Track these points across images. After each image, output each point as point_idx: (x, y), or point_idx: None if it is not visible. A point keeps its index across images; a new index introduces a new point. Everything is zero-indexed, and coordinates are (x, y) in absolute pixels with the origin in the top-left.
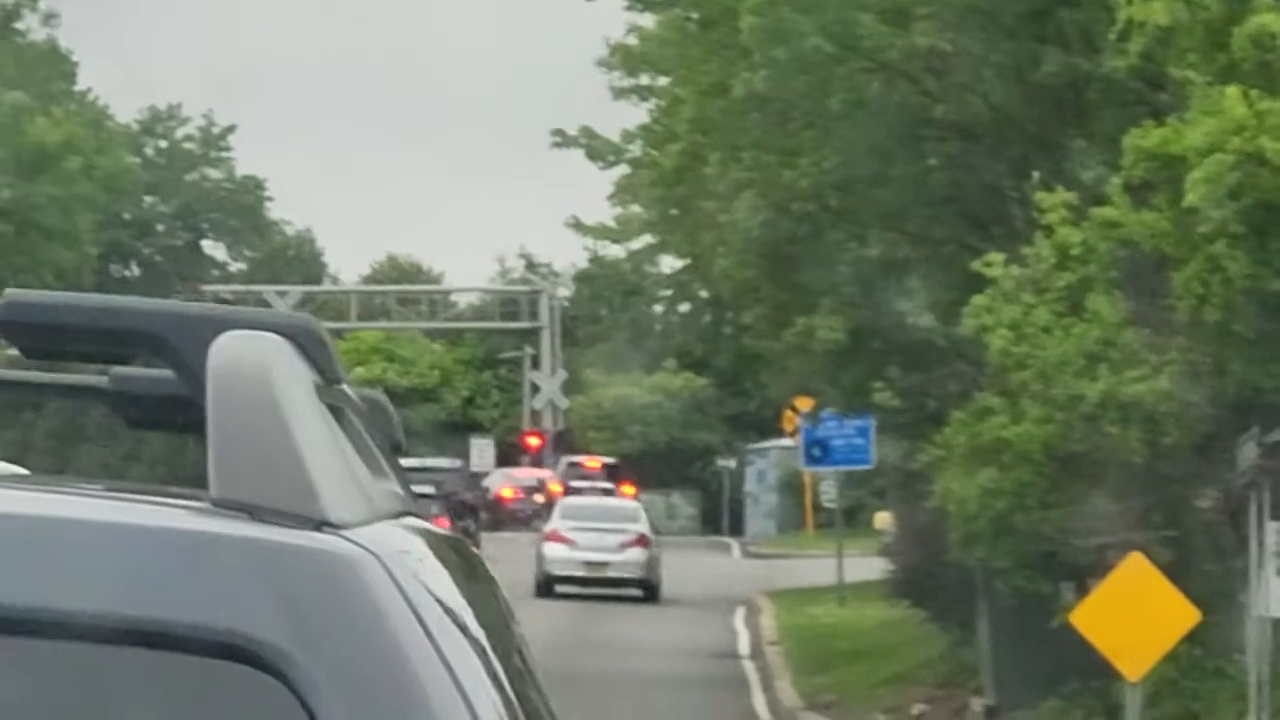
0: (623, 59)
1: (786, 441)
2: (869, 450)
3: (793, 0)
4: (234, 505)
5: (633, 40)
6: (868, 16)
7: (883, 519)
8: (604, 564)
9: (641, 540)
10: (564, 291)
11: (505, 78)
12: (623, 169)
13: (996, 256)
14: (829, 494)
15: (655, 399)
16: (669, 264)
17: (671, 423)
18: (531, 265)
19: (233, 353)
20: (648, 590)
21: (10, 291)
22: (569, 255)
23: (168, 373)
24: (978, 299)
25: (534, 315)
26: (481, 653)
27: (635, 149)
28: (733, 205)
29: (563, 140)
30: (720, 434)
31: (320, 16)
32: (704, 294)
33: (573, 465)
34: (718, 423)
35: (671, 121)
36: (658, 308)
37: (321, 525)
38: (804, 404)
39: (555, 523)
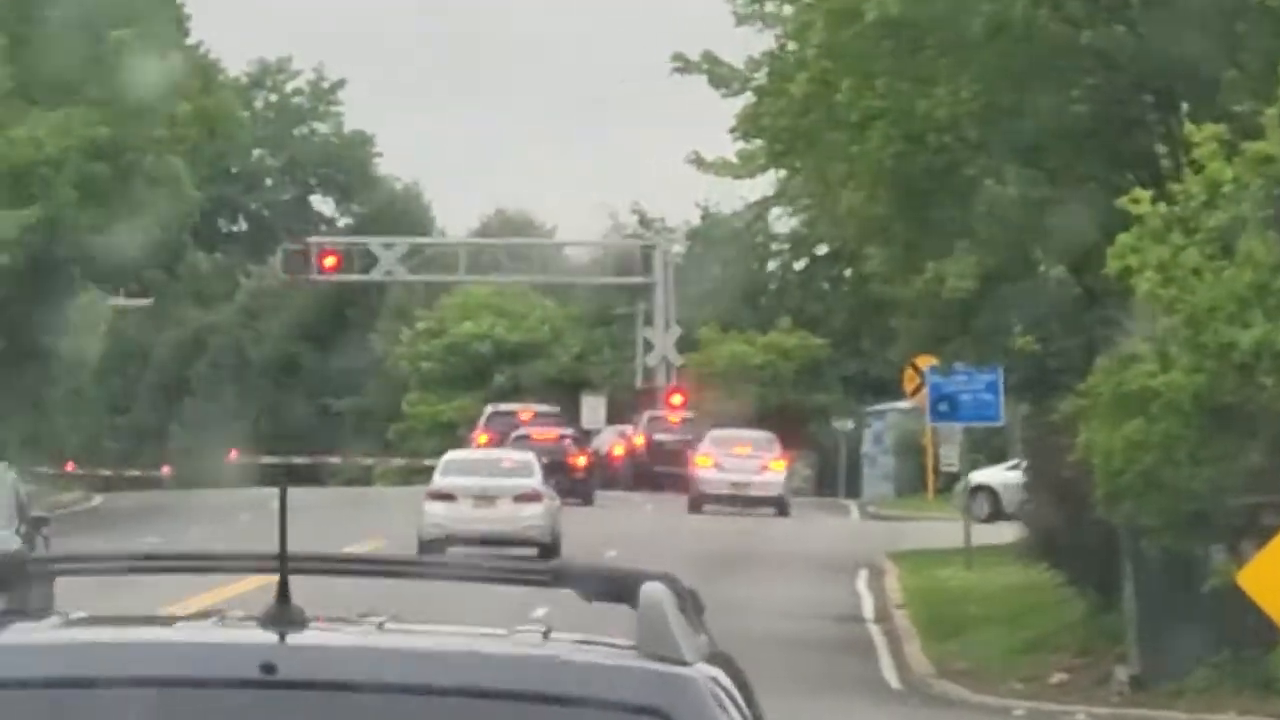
0: None
1: (904, 403)
2: (998, 406)
3: None
4: (648, 654)
5: None
6: None
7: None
8: (747, 484)
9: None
10: (678, 248)
11: (619, 20)
12: (746, 102)
13: (1143, 193)
14: (949, 458)
15: (770, 358)
16: (783, 222)
17: (786, 383)
18: (644, 220)
19: (649, 591)
20: (781, 508)
21: (557, 561)
22: (683, 212)
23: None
24: (1123, 238)
25: (647, 270)
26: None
27: (760, 77)
28: (864, 136)
29: (684, 65)
30: (836, 395)
31: None
32: (821, 249)
33: (655, 419)
34: (834, 383)
35: (800, 47)
36: (772, 265)
37: (682, 663)
38: (924, 362)
39: (706, 448)
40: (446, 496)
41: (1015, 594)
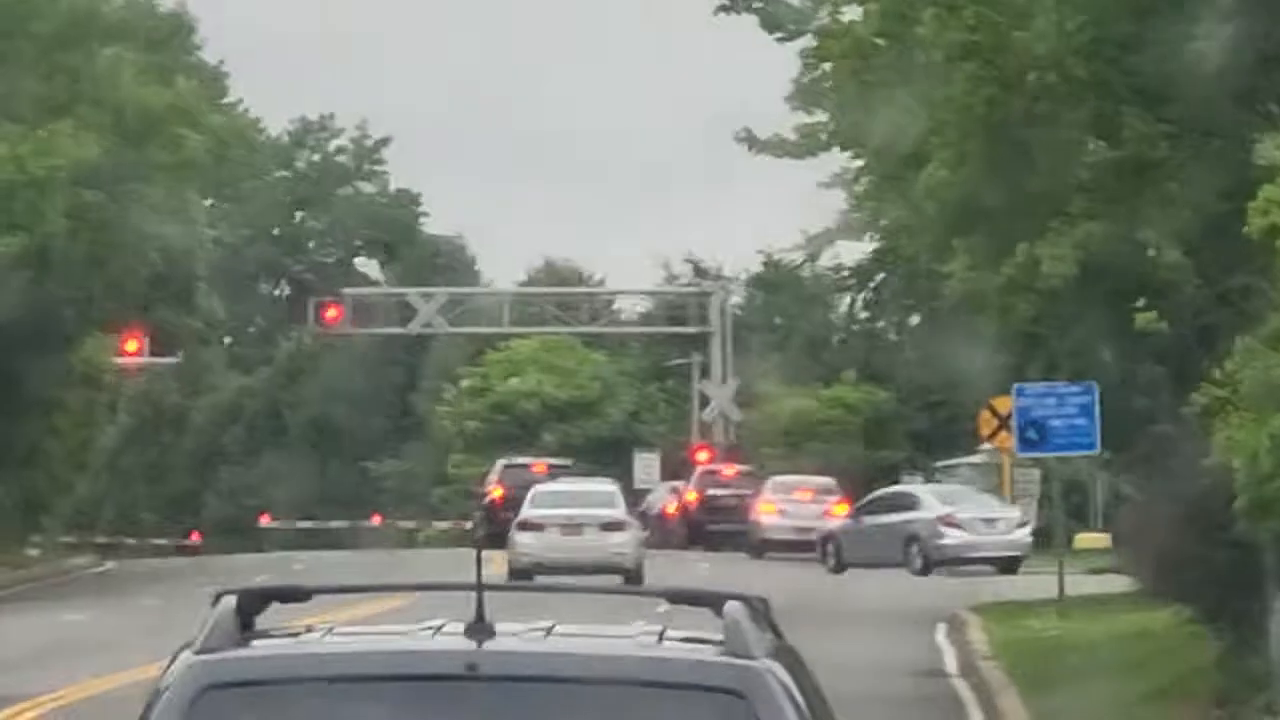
0: None
1: (976, 457)
2: (1093, 431)
3: None
4: (729, 652)
5: None
6: None
7: (1086, 540)
8: (811, 529)
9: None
10: (736, 298)
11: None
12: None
13: None
14: (1026, 514)
15: (834, 413)
16: (849, 254)
17: (852, 439)
18: (699, 270)
19: (730, 607)
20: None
21: (671, 586)
22: (742, 261)
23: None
24: (1269, 190)
25: (703, 320)
26: (806, 696)
27: (824, 15)
28: (950, 78)
29: (731, 3)
30: (904, 450)
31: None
32: (888, 279)
33: (709, 473)
34: (901, 439)
35: None
36: (835, 315)
37: (752, 658)
38: (1002, 405)
39: (768, 495)
40: (535, 526)
41: (1128, 641)
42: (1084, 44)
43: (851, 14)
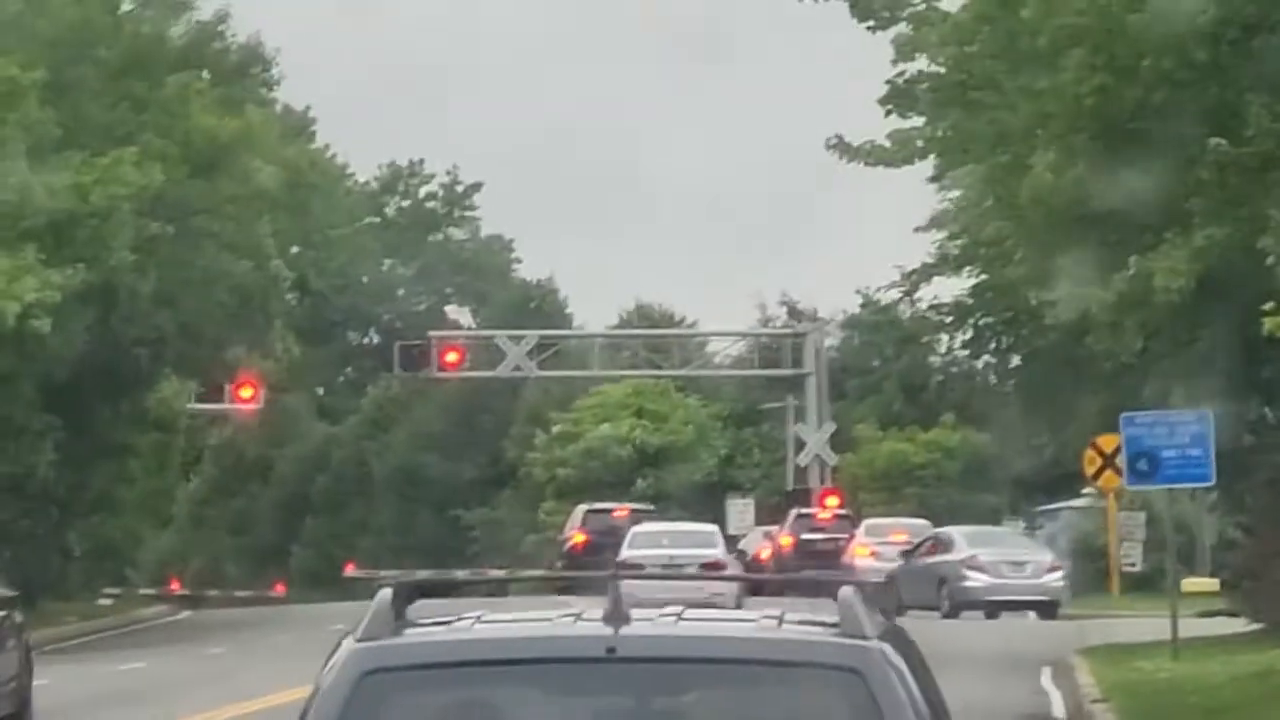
0: None
1: (1079, 501)
2: (1208, 462)
3: None
4: (845, 633)
5: None
6: None
7: (1192, 584)
8: None
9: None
10: (831, 340)
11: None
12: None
13: None
14: (1131, 556)
15: (933, 457)
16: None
17: (950, 483)
18: (794, 312)
19: (844, 591)
20: None
21: (792, 575)
22: (838, 302)
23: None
24: None
25: (798, 363)
26: (916, 673)
27: (919, 2)
28: (1057, 66)
29: None
30: (1003, 495)
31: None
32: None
33: (803, 517)
34: (1000, 484)
35: None
36: (934, 358)
37: (865, 638)
38: (1107, 444)
39: (862, 538)
40: (635, 568)
41: (1249, 681)
42: (1204, 25)
43: None
